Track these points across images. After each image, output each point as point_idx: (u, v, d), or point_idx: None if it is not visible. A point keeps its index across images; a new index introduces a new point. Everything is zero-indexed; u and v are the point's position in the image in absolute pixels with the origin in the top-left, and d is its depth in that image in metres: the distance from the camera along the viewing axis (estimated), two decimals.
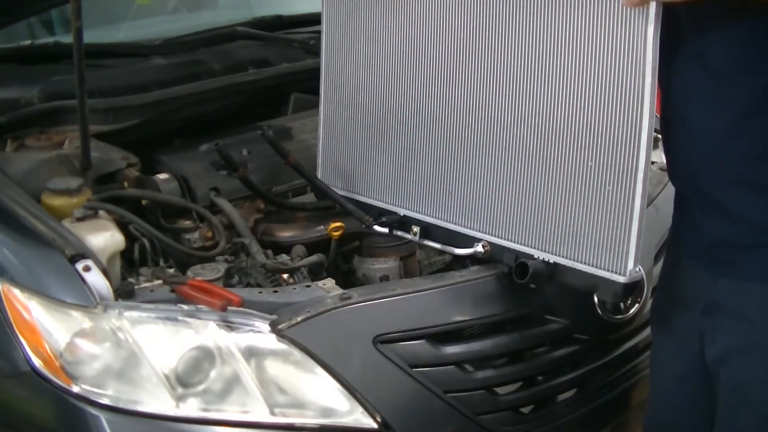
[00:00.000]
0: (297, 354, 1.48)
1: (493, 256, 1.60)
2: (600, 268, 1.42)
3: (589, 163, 1.40)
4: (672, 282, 1.58)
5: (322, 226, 1.87)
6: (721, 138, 1.37)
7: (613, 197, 1.38)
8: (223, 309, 1.46)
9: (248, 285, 1.72)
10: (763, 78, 1.30)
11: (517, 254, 1.54)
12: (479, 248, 1.60)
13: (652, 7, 1.27)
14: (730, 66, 1.32)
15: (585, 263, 1.45)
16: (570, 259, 1.47)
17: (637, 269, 1.40)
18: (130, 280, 1.61)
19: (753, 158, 1.35)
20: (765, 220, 1.37)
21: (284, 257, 1.78)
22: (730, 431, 1.47)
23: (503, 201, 1.55)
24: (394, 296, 1.59)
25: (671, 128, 1.46)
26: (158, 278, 1.60)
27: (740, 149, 1.36)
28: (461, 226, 1.63)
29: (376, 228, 1.76)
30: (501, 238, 1.57)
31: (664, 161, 1.57)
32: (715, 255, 1.44)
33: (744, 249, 1.40)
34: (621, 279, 1.40)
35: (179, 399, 1.44)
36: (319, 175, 1.90)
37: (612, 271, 1.41)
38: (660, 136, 1.52)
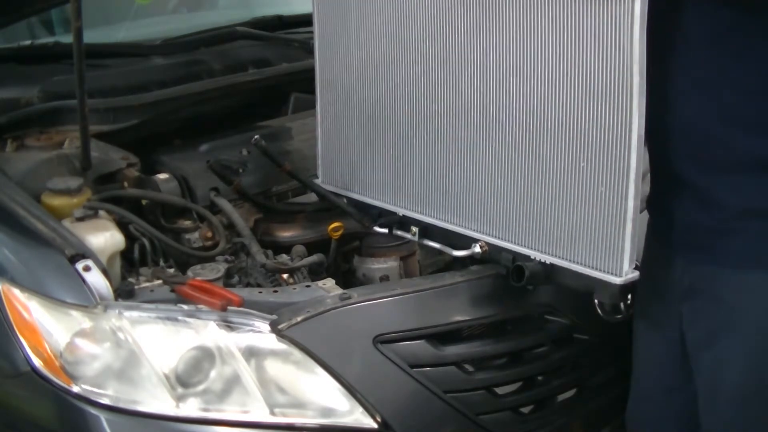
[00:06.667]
0: (297, 354, 1.48)
1: (492, 256, 1.59)
2: (596, 269, 1.42)
3: (582, 164, 1.40)
4: (650, 268, 1.60)
5: (322, 226, 1.87)
6: (691, 119, 1.40)
7: (606, 198, 1.37)
8: (223, 309, 1.46)
9: (248, 285, 1.72)
10: (723, 58, 1.34)
11: (515, 255, 1.54)
12: (477, 249, 1.60)
13: (637, 8, 1.27)
14: (700, 45, 1.35)
15: (581, 264, 1.44)
16: (566, 260, 1.46)
17: (634, 269, 1.39)
18: (130, 280, 1.61)
19: (718, 139, 1.38)
20: (734, 202, 1.39)
21: (284, 257, 1.78)
22: (712, 413, 1.50)
23: (500, 201, 1.55)
24: (394, 296, 1.59)
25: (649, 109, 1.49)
26: (158, 278, 1.60)
27: (707, 130, 1.39)
28: (460, 226, 1.63)
29: (376, 229, 1.76)
30: (499, 238, 1.57)
31: None
32: (689, 240, 1.47)
33: (716, 234, 1.42)
34: (617, 280, 1.39)
35: (179, 399, 1.44)
36: (319, 175, 1.90)
37: (608, 272, 1.40)
38: None
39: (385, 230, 1.76)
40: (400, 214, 1.74)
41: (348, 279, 1.90)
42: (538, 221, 1.49)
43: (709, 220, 1.42)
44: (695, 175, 1.43)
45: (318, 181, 1.89)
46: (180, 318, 1.49)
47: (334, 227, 1.83)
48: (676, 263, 1.51)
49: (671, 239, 1.51)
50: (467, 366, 1.59)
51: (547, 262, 1.49)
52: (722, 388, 1.46)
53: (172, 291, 1.54)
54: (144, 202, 1.84)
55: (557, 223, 1.46)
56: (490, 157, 1.55)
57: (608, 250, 1.39)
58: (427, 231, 1.70)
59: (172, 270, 1.67)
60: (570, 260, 1.46)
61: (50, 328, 1.48)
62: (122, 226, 1.67)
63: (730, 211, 1.40)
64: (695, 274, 1.47)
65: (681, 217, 1.48)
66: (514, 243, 1.54)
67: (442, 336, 1.58)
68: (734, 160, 1.38)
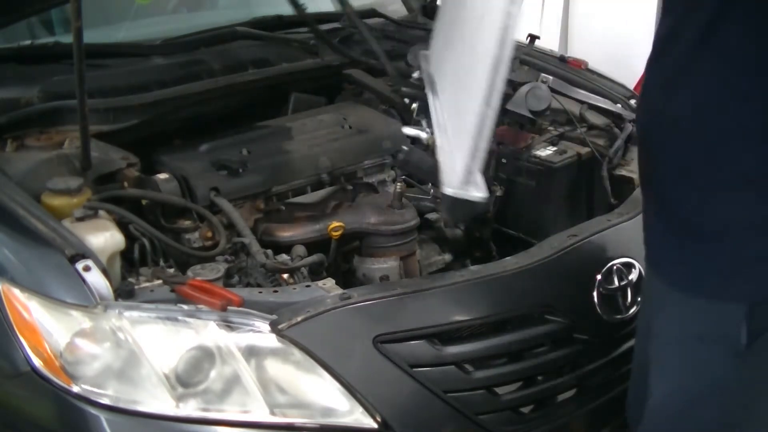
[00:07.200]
0: (297, 354, 1.48)
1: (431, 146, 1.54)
2: (447, 170, 1.36)
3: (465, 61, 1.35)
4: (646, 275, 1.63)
5: (322, 226, 1.87)
6: (654, 117, 1.38)
7: (467, 106, 1.30)
8: (223, 309, 1.46)
9: (248, 285, 1.72)
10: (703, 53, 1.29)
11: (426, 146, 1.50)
12: (423, 134, 1.56)
13: None
14: (688, 39, 1.31)
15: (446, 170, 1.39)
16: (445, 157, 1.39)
17: (476, 189, 1.31)
18: (130, 280, 1.61)
19: (669, 144, 1.35)
20: (676, 216, 1.36)
21: (284, 257, 1.78)
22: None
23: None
24: (394, 296, 1.59)
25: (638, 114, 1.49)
26: (158, 278, 1.60)
27: (663, 134, 1.36)
28: None
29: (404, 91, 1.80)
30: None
31: None
32: (647, 249, 1.47)
33: (660, 246, 1.42)
34: (448, 190, 1.33)
35: (179, 399, 1.44)
36: None
37: (449, 180, 1.34)
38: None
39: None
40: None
41: (348, 279, 1.90)
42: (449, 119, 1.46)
43: (660, 232, 1.42)
44: (655, 184, 1.42)
45: None
46: (180, 318, 1.49)
47: (334, 227, 1.83)
48: (646, 268, 1.54)
49: (645, 244, 1.53)
50: (467, 366, 1.59)
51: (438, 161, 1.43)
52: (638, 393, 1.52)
53: (172, 291, 1.54)
54: (144, 202, 1.84)
55: (453, 122, 1.42)
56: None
57: (457, 159, 1.34)
58: (426, 109, 1.66)
59: (172, 270, 1.67)
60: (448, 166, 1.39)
61: (50, 328, 1.48)
62: (122, 226, 1.67)
63: (673, 225, 1.38)
64: (650, 283, 1.50)
65: (646, 225, 1.50)
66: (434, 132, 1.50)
67: (442, 336, 1.58)
68: (678, 169, 1.36)
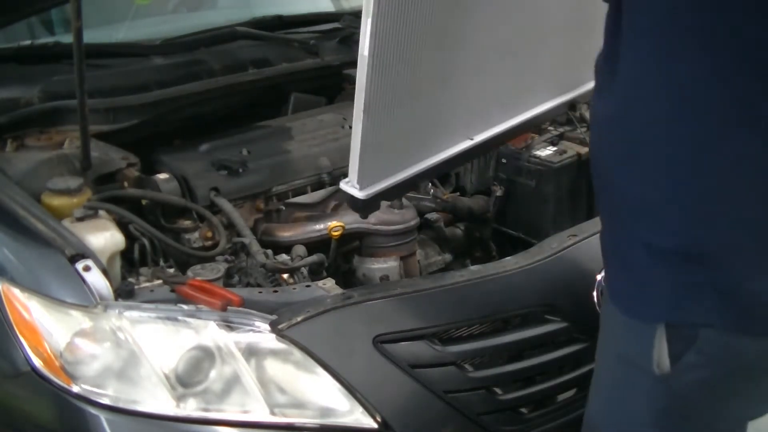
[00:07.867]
0: (297, 354, 1.48)
1: None
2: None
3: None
4: None
5: (322, 226, 1.87)
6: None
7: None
8: (223, 309, 1.46)
9: (248, 285, 1.72)
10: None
11: None
12: None
13: None
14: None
15: None
16: None
17: (357, 188, 1.49)
18: (130, 280, 1.61)
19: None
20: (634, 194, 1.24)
21: (284, 257, 1.78)
22: None
23: None
24: (394, 296, 1.59)
25: None
26: (158, 278, 1.60)
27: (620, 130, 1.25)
28: None
29: None
30: None
31: None
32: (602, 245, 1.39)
33: (611, 257, 1.34)
34: (341, 183, 1.53)
35: (179, 399, 1.44)
36: None
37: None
38: None
39: None
40: None
41: (348, 279, 1.90)
42: None
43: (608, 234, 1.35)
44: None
45: None
46: (180, 318, 1.49)
47: (334, 227, 1.83)
48: None
49: None
50: (467, 366, 1.59)
51: None
52: None
53: (172, 291, 1.54)
54: (144, 202, 1.84)
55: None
56: None
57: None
58: None
59: (172, 270, 1.68)
60: None
61: (50, 328, 1.48)
62: (122, 226, 1.67)
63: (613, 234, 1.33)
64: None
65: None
66: None
67: (442, 336, 1.58)
68: (601, 179, 1.31)
